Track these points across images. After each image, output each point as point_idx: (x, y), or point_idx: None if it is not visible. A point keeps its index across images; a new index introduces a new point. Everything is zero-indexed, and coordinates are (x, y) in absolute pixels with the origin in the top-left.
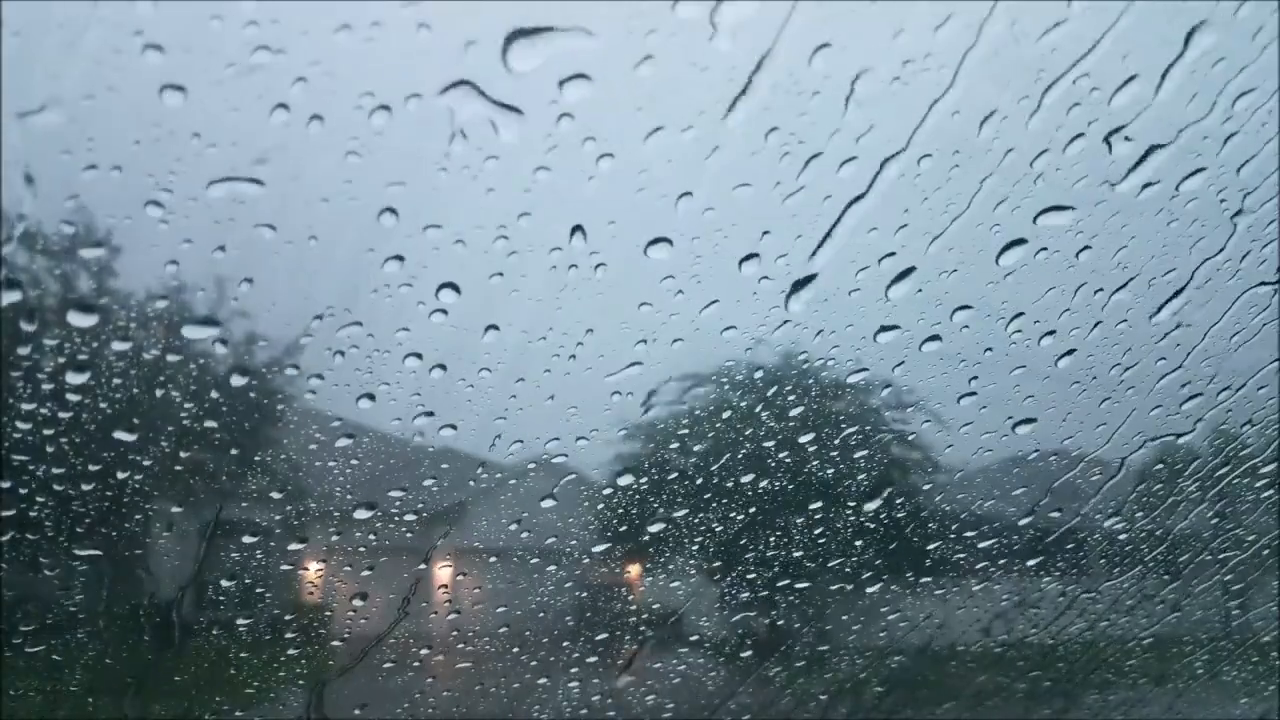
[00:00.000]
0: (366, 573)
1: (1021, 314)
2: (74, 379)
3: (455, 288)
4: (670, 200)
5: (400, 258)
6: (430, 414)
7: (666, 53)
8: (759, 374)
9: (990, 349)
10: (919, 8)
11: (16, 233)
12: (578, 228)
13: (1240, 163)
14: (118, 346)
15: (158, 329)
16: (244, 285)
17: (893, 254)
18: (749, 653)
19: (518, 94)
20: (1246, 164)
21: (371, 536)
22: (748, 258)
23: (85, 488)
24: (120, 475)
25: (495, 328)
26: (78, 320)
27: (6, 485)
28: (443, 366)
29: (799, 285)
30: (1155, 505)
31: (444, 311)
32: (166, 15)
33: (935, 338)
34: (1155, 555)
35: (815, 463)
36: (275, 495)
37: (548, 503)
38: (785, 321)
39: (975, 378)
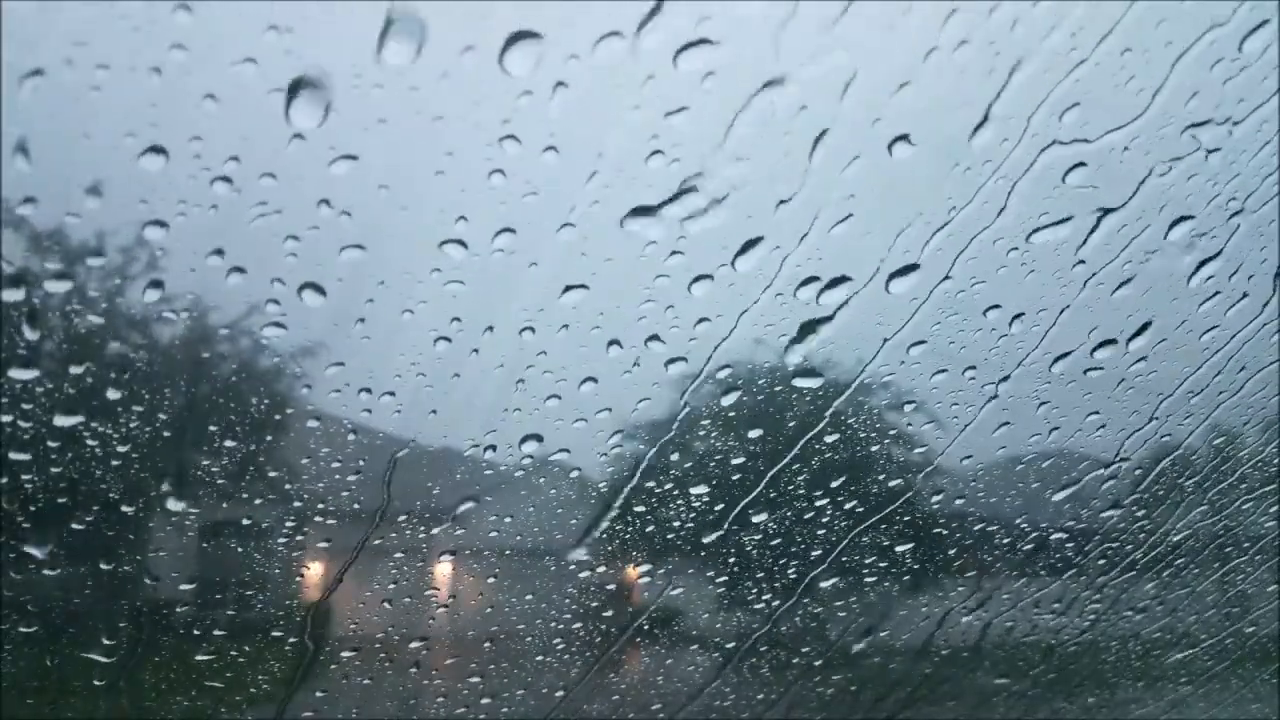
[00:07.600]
0: (366, 573)
1: (1021, 315)
2: (73, 378)
3: (459, 285)
4: (669, 199)
5: (396, 254)
6: (432, 413)
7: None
8: (760, 373)
9: (990, 352)
10: (919, 7)
11: (16, 230)
12: (568, 225)
13: (1240, 162)
14: (116, 347)
15: (157, 329)
16: (241, 285)
17: (890, 251)
18: (749, 653)
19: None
20: (1247, 164)
21: (371, 536)
22: (743, 252)
23: (86, 487)
24: (121, 475)
25: (492, 329)
26: (77, 320)
27: (6, 484)
28: (443, 366)
29: (799, 285)
30: (1155, 505)
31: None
32: (162, 14)
33: (933, 340)
34: (1155, 555)
35: (815, 462)
36: (275, 495)
37: (549, 503)
38: (786, 321)
39: (974, 380)
